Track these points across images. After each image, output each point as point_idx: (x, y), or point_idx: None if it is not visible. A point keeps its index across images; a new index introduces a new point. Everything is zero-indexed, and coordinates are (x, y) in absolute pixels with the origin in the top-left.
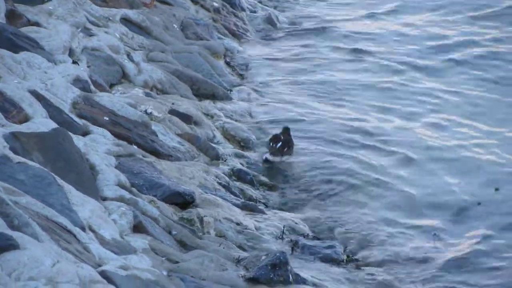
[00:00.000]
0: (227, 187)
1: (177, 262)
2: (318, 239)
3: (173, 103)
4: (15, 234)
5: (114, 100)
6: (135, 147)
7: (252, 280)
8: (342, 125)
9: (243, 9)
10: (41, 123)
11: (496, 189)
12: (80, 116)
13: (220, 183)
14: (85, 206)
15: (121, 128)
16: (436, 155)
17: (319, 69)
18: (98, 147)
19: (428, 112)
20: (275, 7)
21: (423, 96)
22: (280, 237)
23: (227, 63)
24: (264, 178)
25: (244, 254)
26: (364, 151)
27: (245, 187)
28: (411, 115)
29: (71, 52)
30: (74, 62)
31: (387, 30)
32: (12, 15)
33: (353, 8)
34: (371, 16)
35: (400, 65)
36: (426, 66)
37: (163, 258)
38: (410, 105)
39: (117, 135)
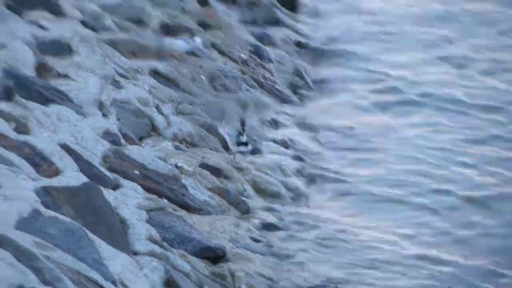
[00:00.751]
0: (258, 241)
1: None
2: None
3: (203, 157)
4: None
5: (144, 153)
6: (165, 201)
7: None
8: None
9: (271, 61)
10: (72, 177)
11: None
12: (111, 169)
13: (251, 237)
14: (116, 261)
15: (151, 182)
16: None
17: None
18: (128, 201)
19: None
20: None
21: None
22: None
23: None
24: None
25: None
26: None
27: (275, 240)
28: None
29: (100, 105)
30: (103, 115)
31: None
32: (41, 68)
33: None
34: None
35: None
36: None
37: None
38: None
39: (147, 189)
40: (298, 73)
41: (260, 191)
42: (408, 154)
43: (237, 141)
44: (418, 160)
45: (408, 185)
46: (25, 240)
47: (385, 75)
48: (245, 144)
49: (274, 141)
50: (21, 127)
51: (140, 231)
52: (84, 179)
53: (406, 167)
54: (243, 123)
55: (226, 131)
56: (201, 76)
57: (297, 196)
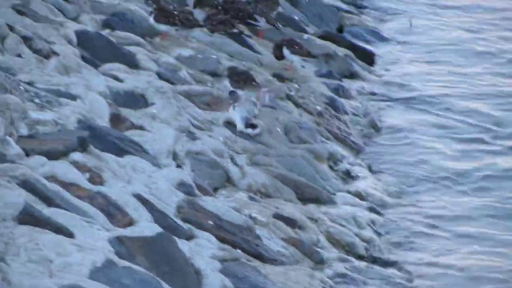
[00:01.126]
0: None
1: None
2: None
3: (277, 207)
4: None
5: (219, 204)
6: (239, 251)
7: None
8: None
9: (346, 113)
10: (146, 227)
11: None
12: (185, 220)
13: None
14: None
15: (225, 233)
16: None
17: None
18: (203, 251)
19: None
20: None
21: None
22: None
23: (331, 167)
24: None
25: None
26: None
27: None
28: None
29: (175, 156)
30: (178, 166)
31: None
32: (116, 119)
33: None
34: None
35: None
36: None
37: None
38: None
39: (221, 240)
40: (373, 124)
41: (335, 242)
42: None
43: (246, 122)
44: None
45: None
46: None
47: (461, 122)
48: (254, 126)
49: (349, 192)
50: (96, 178)
51: (215, 282)
52: (158, 229)
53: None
54: None
55: (237, 111)
56: (277, 128)
57: (372, 247)
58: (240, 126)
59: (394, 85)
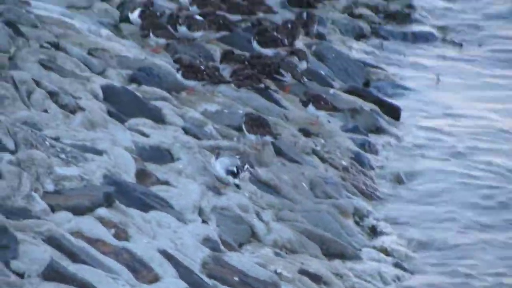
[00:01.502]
0: None
1: None
2: None
3: (302, 263)
4: None
5: (244, 260)
6: None
7: None
8: None
9: (371, 168)
10: (171, 283)
11: None
12: (210, 276)
13: None
14: None
15: None
16: None
17: None
18: None
19: None
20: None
21: None
22: None
23: (356, 222)
24: None
25: None
26: None
27: None
28: None
29: (200, 211)
30: (203, 222)
31: None
32: (142, 174)
33: None
34: None
35: None
36: None
37: None
38: None
39: None
40: (398, 179)
41: None
42: None
43: (228, 169)
44: None
45: None
46: None
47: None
48: (235, 174)
49: (374, 248)
50: (121, 233)
51: None
52: (183, 285)
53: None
54: None
55: (220, 161)
56: (302, 183)
57: None
58: (222, 174)
59: (420, 138)
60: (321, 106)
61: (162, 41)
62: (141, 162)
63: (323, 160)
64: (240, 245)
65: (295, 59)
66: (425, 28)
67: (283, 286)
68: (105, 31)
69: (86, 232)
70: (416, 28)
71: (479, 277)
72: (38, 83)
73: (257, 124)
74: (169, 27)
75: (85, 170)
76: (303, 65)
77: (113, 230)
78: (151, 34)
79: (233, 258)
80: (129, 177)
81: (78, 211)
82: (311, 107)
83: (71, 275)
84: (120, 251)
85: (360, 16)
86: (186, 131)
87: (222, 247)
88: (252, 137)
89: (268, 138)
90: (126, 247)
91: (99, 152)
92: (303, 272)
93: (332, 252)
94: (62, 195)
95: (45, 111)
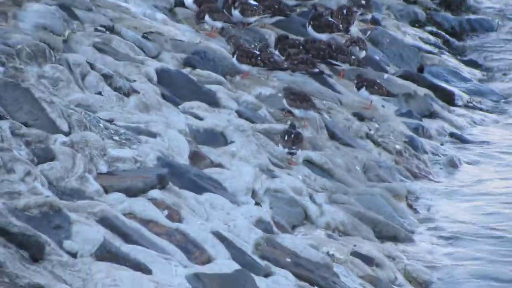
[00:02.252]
0: None
1: None
2: None
3: (355, 245)
4: None
5: (297, 241)
6: None
7: None
8: None
9: (425, 152)
10: (224, 264)
11: None
12: (262, 257)
13: None
14: None
15: (303, 270)
16: None
17: None
18: None
19: None
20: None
21: None
22: None
23: (409, 205)
24: None
25: None
26: None
27: None
28: None
29: (253, 194)
30: (256, 204)
31: None
32: (195, 157)
33: None
34: None
35: None
36: None
37: None
38: None
39: (299, 277)
40: (452, 164)
41: (412, 280)
42: None
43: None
44: None
45: None
46: None
47: None
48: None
49: (427, 229)
50: (174, 215)
51: None
52: (236, 266)
53: None
54: None
55: None
56: (356, 167)
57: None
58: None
59: (473, 124)
60: (375, 90)
61: (218, 24)
62: (195, 145)
63: (376, 144)
64: (293, 227)
65: (355, 48)
66: (480, 15)
67: (335, 267)
68: (160, 15)
69: (139, 213)
70: (471, 15)
71: None
72: (92, 66)
73: (300, 98)
74: (224, 11)
75: (138, 152)
76: (362, 54)
77: (166, 212)
78: (206, 17)
79: (286, 239)
80: (183, 160)
81: (131, 192)
82: (364, 91)
83: (124, 255)
84: (173, 232)
85: (415, 2)
86: (240, 114)
87: (275, 228)
88: (296, 111)
89: (312, 113)
90: (179, 228)
91: (153, 135)
92: (355, 254)
93: (384, 234)
94: (115, 176)
95: (99, 93)
